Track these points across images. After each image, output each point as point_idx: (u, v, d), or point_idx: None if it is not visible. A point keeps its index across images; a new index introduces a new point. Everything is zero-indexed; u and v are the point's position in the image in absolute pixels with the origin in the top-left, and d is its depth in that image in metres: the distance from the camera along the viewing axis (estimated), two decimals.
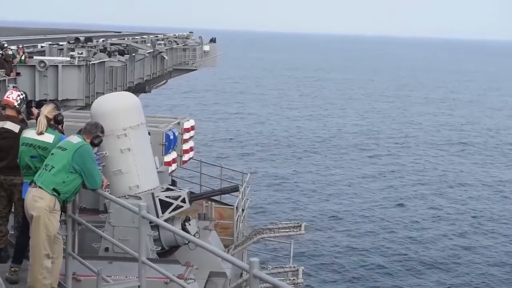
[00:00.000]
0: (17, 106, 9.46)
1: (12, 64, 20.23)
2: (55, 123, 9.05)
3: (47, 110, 8.87)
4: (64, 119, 9.62)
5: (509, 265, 29.63)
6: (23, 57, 20.94)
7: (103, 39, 30.80)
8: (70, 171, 8.25)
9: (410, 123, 72.35)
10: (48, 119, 8.84)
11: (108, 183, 10.51)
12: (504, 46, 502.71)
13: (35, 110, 9.60)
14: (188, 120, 16.64)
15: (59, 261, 8.54)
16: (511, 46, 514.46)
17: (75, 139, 8.45)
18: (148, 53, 29.36)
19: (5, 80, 18.56)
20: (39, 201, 8.13)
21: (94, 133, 8.67)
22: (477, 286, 27.39)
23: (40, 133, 8.73)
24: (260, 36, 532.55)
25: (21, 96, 9.53)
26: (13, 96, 9.49)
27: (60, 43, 25.89)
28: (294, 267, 16.12)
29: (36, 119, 8.99)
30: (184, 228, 12.13)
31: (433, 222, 35.60)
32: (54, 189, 8.16)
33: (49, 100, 11.14)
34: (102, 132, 8.82)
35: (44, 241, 8.14)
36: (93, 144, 8.62)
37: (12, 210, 9.72)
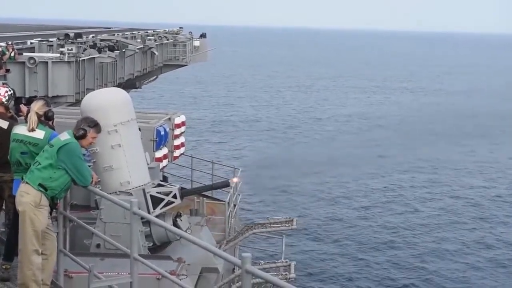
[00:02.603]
0: (5, 103, 9.40)
1: (2, 61, 20.13)
2: (46, 119, 9.00)
3: (37, 107, 8.82)
4: (55, 115, 9.57)
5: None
6: (12, 54, 20.83)
7: (93, 35, 30.63)
8: (57, 167, 8.23)
9: (409, 116, 72.35)
10: (38, 116, 8.79)
11: (99, 180, 10.49)
12: (502, 40, 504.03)
13: (23, 107, 9.53)
14: (179, 116, 16.65)
15: (52, 258, 8.52)
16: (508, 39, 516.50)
17: (64, 136, 8.42)
18: (138, 48, 29.26)
19: None
20: (25, 196, 8.15)
21: (79, 127, 8.60)
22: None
23: (31, 130, 8.69)
24: (250, 31, 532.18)
25: (9, 92, 9.46)
26: (0, 92, 9.42)
27: (50, 39, 25.74)
28: (286, 262, 16.17)
29: (26, 116, 8.94)
30: (175, 224, 12.13)
31: (425, 217, 35.62)
32: (40, 185, 8.15)
33: (39, 96, 11.07)
34: (93, 126, 8.68)
35: (31, 237, 8.13)
36: (76, 138, 8.48)
37: (3, 207, 9.67)
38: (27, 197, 8.13)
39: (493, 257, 29.70)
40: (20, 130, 8.80)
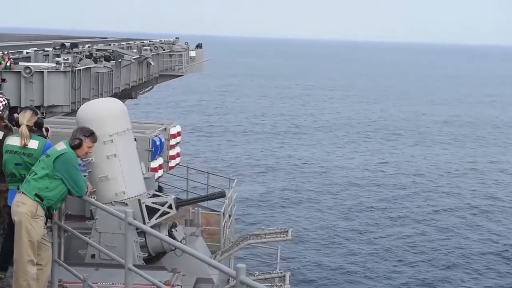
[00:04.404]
0: (0, 113, 9.38)
1: None
2: (36, 127, 8.92)
3: (27, 119, 8.74)
4: (50, 125, 9.56)
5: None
6: (8, 63, 20.82)
7: (89, 45, 30.64)
8: (54, 177, 8.22)
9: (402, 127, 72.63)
10: (29, 128, 8.74)
11: (94, 190, 10.48)
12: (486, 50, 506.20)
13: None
14: (174, 126, 16.66)
15: (47, 268, 8.49)
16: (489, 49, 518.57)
17: (60, 146, 8.42)
18: (134, 58, 29.27)
19: None
20: (20, 206, 8.15)
21: (75, 137, 8.60)
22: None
23: (25, 145, 8.63)
24: (246, 42, 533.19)
25: (4, 102, 9.45)
26: None
27: (46, 49, 25.76)
28: (281, 272, 16.11)
29: (16, 125, 8.89)
30: (170, 235, 12.11)
31: (424, 223, 35.69)
32: (36, 195, 8.14)
33: (24, 106, 10.93)
34: (89, 135, 8.68)
35: (27, 247, 8.12)
36: (72, 148, 8.50)
37: None
38: (23, 207, 8.12)
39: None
40: (13, 141, 8.74)
